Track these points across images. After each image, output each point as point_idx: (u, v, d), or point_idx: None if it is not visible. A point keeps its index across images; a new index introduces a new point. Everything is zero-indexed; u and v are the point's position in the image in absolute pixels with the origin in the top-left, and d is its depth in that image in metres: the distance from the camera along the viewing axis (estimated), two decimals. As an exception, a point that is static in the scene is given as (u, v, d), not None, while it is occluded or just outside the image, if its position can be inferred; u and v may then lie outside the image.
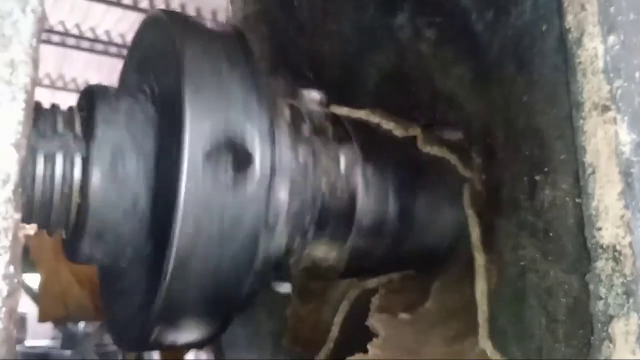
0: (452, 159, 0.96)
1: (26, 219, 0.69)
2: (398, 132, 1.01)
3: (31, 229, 0.39)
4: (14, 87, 0.36)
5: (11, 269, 0.36)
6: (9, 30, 0.35)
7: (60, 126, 0.71)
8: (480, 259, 0.89)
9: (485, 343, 0.86)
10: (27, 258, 2.72)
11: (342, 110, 1.00)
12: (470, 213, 0.93)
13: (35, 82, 0.38)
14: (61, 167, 0.69)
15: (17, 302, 0.37)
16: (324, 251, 0.92)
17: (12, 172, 0.36)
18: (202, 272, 0.71)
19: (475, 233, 0.92)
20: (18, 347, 4.62)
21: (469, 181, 0.96)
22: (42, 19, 0.37)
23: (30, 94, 0.36)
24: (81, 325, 4.48)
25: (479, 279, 0.89)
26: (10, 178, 0.36)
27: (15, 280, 0.38)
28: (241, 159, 0.71)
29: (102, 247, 0.74)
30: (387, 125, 1.01)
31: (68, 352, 3.82)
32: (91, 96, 0.75)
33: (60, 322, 3.28)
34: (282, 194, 0.81)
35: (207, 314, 0.76)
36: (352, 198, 0.90)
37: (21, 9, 0.35)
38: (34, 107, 0.71)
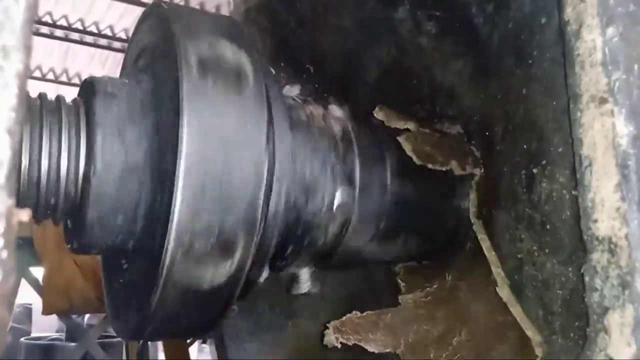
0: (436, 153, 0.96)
1: (32, 206, 0.70)
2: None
3: (24, 214, 0.39)
4: (6, 73, 0.37)
5: (4, 254, 0.37)
6: (0, 17, 0.35)
7: (63, 114, 0.72)
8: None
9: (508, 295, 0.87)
10: (33, 251, 2.74)
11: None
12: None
13: (28, 68, 0.38)
14: (66, 155, 0.71)
15: (10, 287, 0.38)
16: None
17: (5, 158, 0.36)
18: (201, 258, 0.71)
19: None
20: (23, 339, 4.65)
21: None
22: (33, 5, 0.37)
23: (23, 80, 0.37)
24: (85, 317, 4.50)
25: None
26: (3, 164, 0.36)
27: (9, 266, 0.38)
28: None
29: (104, 235, 0.75)
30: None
31: (72, 345, 3.83)
32: (91, 86, 0.76)
33: (64, 314, 3.29)
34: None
35: (205, 304, 0.76)
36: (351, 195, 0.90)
37: (13, -4, 0.36)
38: (38, 97, 0.72)
